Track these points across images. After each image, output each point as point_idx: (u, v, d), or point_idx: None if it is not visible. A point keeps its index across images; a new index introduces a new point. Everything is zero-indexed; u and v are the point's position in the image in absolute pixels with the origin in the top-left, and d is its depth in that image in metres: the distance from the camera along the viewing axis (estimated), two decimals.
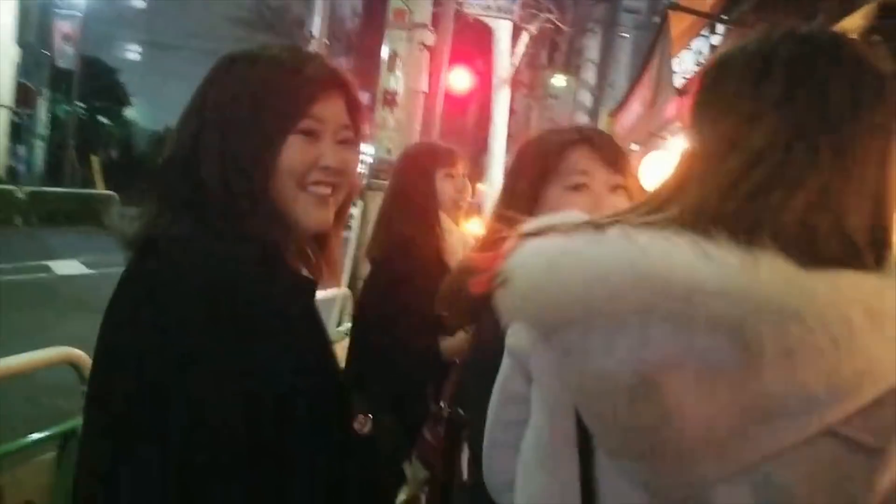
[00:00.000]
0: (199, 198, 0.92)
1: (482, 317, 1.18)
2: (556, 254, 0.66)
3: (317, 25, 3.84)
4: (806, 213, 0.64)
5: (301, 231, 1.00)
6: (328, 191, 0.99)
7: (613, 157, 1.20)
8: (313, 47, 3.94)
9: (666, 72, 4.00)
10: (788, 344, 0.58)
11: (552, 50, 22.52)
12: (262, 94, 0.93)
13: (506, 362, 0.89)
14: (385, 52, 5.54)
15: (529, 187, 1.20)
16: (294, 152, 0.94)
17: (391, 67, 5.50)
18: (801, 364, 0.58)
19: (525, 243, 0.70)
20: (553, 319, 0.66)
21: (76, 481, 0.93)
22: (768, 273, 0.59)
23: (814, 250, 0.63)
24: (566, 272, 0.64)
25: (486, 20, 11.68)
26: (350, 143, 1.01)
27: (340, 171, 0.99)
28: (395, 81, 5.53)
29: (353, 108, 1.01)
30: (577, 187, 1.17)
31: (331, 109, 0.97)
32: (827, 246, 0.63)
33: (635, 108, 5.29)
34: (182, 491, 0.84)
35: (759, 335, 0.58)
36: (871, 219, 0.66)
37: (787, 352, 0.58)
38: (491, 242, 1.26)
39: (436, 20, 6.02)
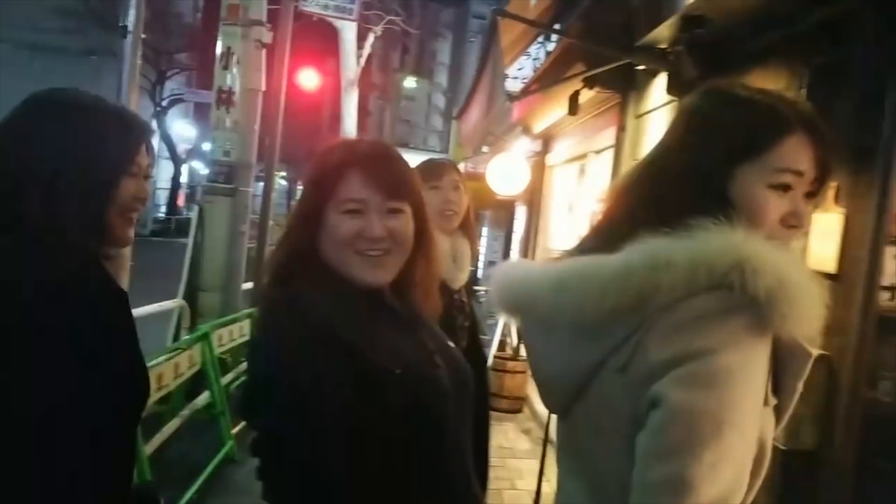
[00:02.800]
0: (19, 221, 1.13)
1: None
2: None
3: (132, 19, 3.52)
4: None
5: (120, 246, 1.31)
6: (135, 217, 1.30)
7: (388, 180, 1.20)
8: (128, 42, 3.60)
9: (499, 79, 4.09)
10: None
11: (404, 53, 22.68)
12: (99, 145, 1.21)
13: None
14: (219, 49, 5.27)
15: (313, 211, 1.20)
16: (128, 189, 1.24)
17: (226, 65, 5.24)
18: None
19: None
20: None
21: None
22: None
23: None
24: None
25: (332, 20, 11.51)
26: (149, 178, 1.33)
27: (146, 201, 1.31)
28: (231, 80, 5.27)
29: (150, 152, 1.34)
30: (350, 212, 1.17)
31: (144, 156, 1.29)
32: None
33: (475, 113, 5.39)
34: None
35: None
36: None
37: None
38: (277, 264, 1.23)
39: (275, 17, 5.82)
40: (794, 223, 0.98)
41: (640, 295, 0.90)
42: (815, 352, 0.96)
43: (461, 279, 2.34)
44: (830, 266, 2.27)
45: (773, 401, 0.95)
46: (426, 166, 2.39)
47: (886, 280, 2.70)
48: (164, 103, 24.92)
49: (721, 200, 0.95)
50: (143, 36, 3.90)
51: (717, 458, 0.81)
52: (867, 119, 2.22)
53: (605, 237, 1.02)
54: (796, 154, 0.96)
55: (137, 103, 5.60)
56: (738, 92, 1.03)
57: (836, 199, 2.30)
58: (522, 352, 6.46)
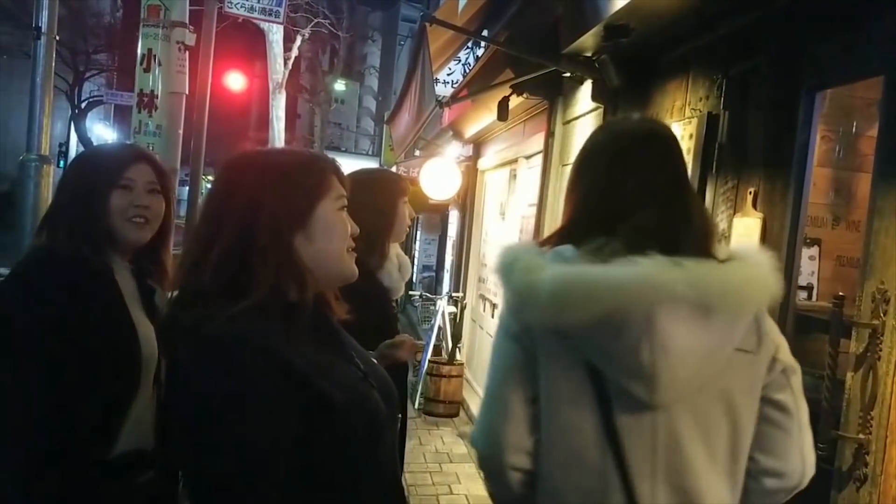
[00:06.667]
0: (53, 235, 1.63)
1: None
2: (569, 279, 1.15)
3: (45, 20, 3.35)
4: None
5: (129, 246, 1.66)
6: (143, 220, 1.65)
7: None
8: (41, 43, 3.44)
9: (428, 84, 4.08)
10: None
11: (333, 55, 22.42)
12: (95, 170, 1.68)
13: (519, 356, 1.24)
14: (140, 51, 5.07)
15: (299, 210, 1.15)
16: (118, 198, 1.63)
17: (147, 67, 5.05)
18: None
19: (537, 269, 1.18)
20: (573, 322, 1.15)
21: None
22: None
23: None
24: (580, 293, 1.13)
25: (259, 23, 11.29)
26: (157, 192, 1.69)
27: (149, 208, 1.66)
28: (153, 82, 5.08)
29: (158, 172, 1.70)
30: (343, 208, 1.21)
31: (138, 172, 1.66)
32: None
33: (405, 117, 5.37)
34: None
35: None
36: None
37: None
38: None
39: (198, 19, 5.64)
40: None
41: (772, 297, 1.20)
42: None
43: (402, 289, 2.34)
44: None
45: None
46: (400, 179, 2.36)
47: (803, 280, 2.83)
48: (82, 105, 23.84)
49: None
50: (56, 37, 3.71)
51: None
52: (781, 126, 2.31)
53: (676, 239, 1.19)
54: None
55: (52, 105, 5.34)
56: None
57: (755, 204, 2.39)
58: (458, 356, 6.48)
